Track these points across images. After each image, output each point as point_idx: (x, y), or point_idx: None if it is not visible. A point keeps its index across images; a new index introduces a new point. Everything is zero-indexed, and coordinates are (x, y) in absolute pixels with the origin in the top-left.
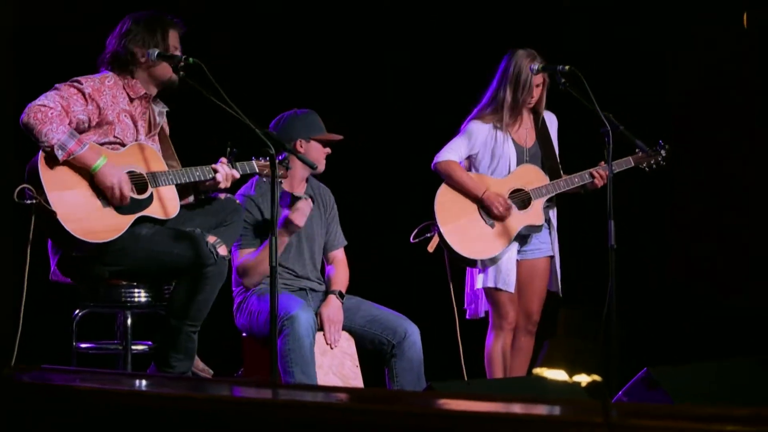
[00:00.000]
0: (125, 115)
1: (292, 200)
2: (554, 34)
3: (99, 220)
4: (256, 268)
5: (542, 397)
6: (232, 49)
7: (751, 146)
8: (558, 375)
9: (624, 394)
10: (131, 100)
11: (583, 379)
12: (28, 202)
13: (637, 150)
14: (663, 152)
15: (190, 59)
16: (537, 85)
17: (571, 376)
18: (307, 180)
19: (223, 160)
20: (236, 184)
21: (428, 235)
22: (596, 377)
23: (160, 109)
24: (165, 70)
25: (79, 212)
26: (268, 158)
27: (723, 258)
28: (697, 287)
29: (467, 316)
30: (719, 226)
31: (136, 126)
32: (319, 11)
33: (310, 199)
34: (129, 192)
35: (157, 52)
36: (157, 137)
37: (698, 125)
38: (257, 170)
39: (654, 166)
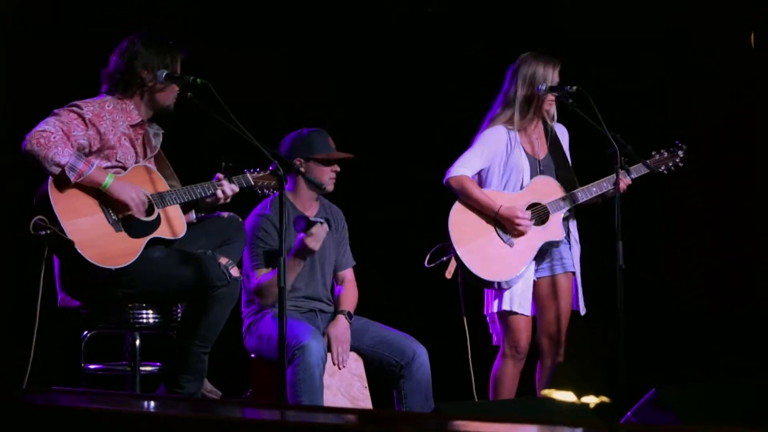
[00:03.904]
0: (125, 139)
1: (307, 224)
2: (557, 37)
3: (113, 245)
4: (270, 289)
5: (550, 418)
6: (243, 67)
7: (760, 160)
8: (566, 396)
9: (632, 414)
10: (129, 125)
11: (591, 400)
12: (42, 233)
13: (653, 153)
14: (681, 153)
15: (198, 80)
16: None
17: (579, 397)
18: (317, 200)
19: (220, 175)
20: (251, 204)
21: (444, 258)
22: (604, 398)
23: (155, 131)
24: (166, 96)
25: (94, 239)
26: (259, 169)
27: (732, 275)
28: (705, 306)
29: (494, 342)
30: (726, 241)
31: (135, 149)
32: (332, 28)
33: (326, 224)
34: (144, 200)
35: (165, 73)
36: (153, 159)
37: (705, 136)
38: (252, 182)
39: (672, 168)
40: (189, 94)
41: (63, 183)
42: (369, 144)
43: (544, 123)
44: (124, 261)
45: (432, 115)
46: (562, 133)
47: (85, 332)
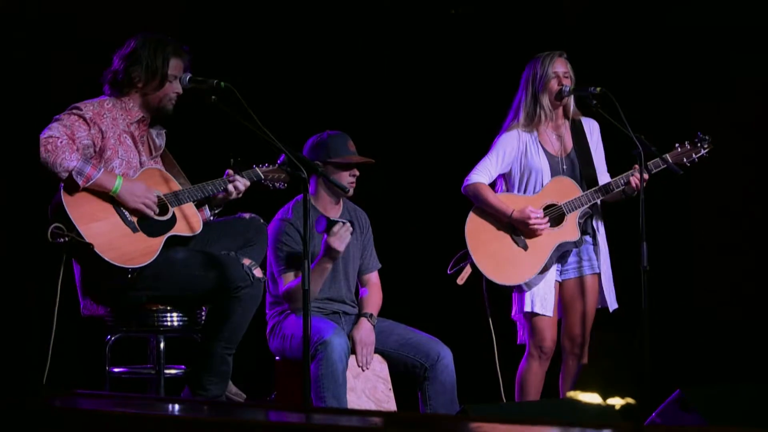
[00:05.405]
0: (126, 137)
1: (328, 225)
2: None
3: (132, 245)
4: (300, 294)
5: (576, 419)
6: (265, 70)
7: None
8: (591, 398)
9: (657, 415)
10: (130, 122)
11: (616, 401)
12: (61, 240)
13: (676, 146)
14: (705, 144)
15: (222, 83)
16: (554, 76)
17: (604, 398)
18: (340, 203)
19: (230, 171)
20: (273, 209)
21: (462, 265)
22: (629, 400)
23: (158, 131)
24: (158, 98)
25: (113, 241)
26: (268, 164)
27: (755, 276)
28: (730, 306)
29: (518, 341)
30: (749, 243)
31: (137, 147)
32: (352, 35)
33: (348, 223)
34: (155, 199)
35: (189, 76)
36: (159, 159)
37: (722, 138)
38: (262, 176)
39: (695, 160)
40: (213, 97)
41: (75, 189)
42: (387, 146)
43: (572, 121)
44: (144, 260)
45: (452, 119)
46: (592, 128)
47: (110, 336)
